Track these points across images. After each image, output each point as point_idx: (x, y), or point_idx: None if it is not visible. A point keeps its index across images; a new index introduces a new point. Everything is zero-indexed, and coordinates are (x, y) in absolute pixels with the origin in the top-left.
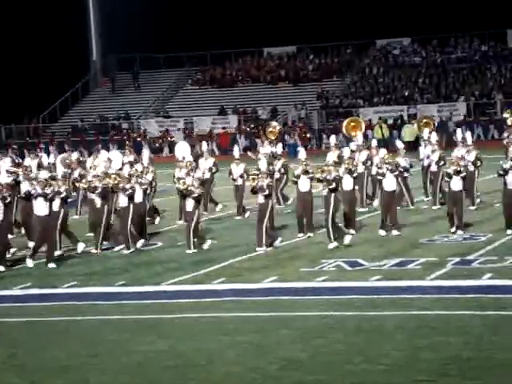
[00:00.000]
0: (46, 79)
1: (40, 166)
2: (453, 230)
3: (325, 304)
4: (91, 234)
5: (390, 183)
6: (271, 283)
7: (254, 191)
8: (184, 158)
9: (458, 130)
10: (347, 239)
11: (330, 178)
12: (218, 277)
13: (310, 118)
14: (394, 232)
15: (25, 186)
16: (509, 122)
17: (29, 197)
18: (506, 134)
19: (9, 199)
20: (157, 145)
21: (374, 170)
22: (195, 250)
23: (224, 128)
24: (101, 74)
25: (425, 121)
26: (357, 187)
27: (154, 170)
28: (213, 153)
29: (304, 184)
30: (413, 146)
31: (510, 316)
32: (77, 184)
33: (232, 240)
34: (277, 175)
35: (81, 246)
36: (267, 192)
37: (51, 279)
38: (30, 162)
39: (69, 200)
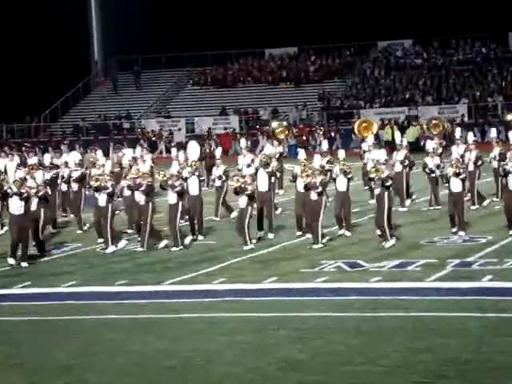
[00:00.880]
0: (47, 79)
1: (41, 165)
2: (454, 230)
3: (324, 305)
4: (80, 232)
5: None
6: (271, 284)
7: (237, 192)
8: (187, 157)
9: (458, 130)
10: (389, 243)
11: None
12: (218, 277)
13: (311, 118)
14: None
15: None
16: None
17: (5, 196)
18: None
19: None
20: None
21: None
22: (252, 246)
23: (225, 128)
24: (102, 74)
25: (434, 122)
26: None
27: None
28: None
29: (302, 184)
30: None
31: (510, 318)
32: (122, 181)
33: (232, 240)
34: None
35: (122, 243)
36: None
37: (51, 278)
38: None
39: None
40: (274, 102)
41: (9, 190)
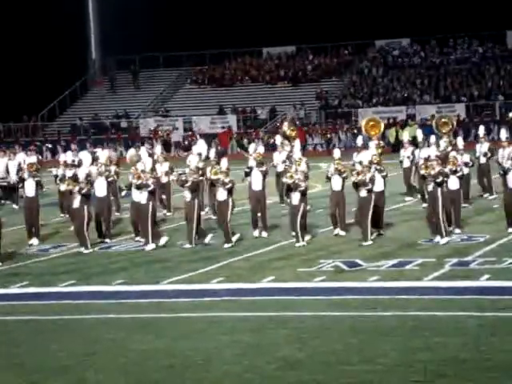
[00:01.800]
0: (45, 78)
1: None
2: (450, 228)
3: (322, 304)
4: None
5: (337, 183)
6: (269, 283)
7: (290, 189)
8: (199, 154)
9: (481, 128)
10: (444, 240)
11: (367, 178)
12: (216, 276)
13: (309, 117)
14: (341, 232)
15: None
16: None
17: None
18: None
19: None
20: (185, 142)
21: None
22: (304, 243)
23: (223, 127)
24: (100, 73)
25: (443, 120)
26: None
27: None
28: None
29: (339, 183)
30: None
31: (508, 317)
32: (170, 177)
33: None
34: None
35: (163, 240)
36: (370, 186)
37: (49, 278)
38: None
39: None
40: (271, 101)
41: (25, 175)
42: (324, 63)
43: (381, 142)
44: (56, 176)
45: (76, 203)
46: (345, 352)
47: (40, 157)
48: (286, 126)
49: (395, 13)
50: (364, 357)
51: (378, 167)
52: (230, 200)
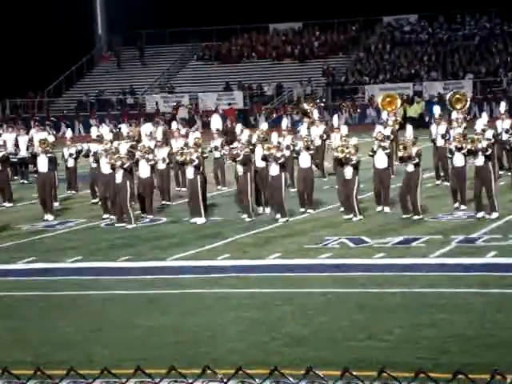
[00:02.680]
0: (51, 54)
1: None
2: (456, 205)
3: (328, 281)
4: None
5: (379, 160)
6: (275, 260)
7: (342, 163)
8: (218, 130)
9: (502, 104)
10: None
11: (412, 153)
12: (222, 253)
13: (316, 94)
14: (386, 209)
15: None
16: None
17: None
18: None
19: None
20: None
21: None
22: (361, 217)
23: (229, 104)
24: (106, 49)
25: (457, 96)
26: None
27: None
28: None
29: (305, 160)
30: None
31: None
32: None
33: (235, 216)
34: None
35: (200, 220)
36: (417, 160)
37: (56, 253)
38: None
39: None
40: (278, 77)
41: (36, 150)
42: (331, 39)
43: (397, 117)
44: (80, 151)
45: (118, 178)
46: (350, 329)
47: (54, 132)
48: (306, 104)
49: None
50: (369, 333)
51: (383, 144)
52: (283, 174)
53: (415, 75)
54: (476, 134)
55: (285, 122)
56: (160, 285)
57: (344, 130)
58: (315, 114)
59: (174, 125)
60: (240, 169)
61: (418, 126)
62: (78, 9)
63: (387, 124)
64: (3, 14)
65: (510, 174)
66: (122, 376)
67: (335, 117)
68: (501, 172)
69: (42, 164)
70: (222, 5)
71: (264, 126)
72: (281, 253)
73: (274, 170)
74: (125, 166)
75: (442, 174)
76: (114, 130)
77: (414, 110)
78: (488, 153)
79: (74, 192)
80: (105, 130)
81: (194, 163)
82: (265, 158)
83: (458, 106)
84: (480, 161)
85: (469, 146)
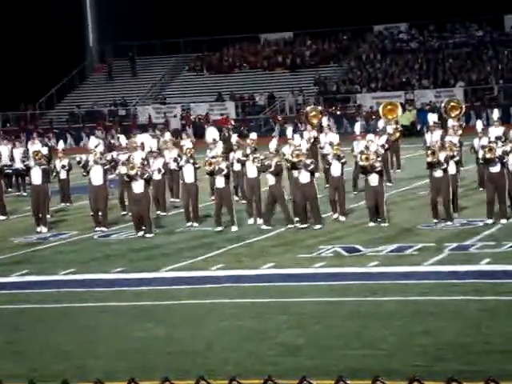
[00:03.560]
0: (42, 65)
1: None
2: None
3: (322, 290)
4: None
5: (336, 169)
6: (269, 269)
7: (366, 171)
8: (215, 140)
9: (495, 111)
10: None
11: (441, 158)
12: (216, 263)
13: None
14: (342, 218)
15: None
16: None
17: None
18: None
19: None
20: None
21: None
22: (388, 223)
23: (222, 114)
24: (97, 61)
25: (452, 104)
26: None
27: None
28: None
29: (336, 168)
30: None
31: (508, 301)
32: (254, 161)
33: (228, 226)
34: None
35: (235, 228)
36: (445, 166)
37: (49, 266)
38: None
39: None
40: (269, 87)
41: (31, 163)
42: (322, 49)
43: (398, 126)
44: (79, 162)
45: (139, 188)
46: (345, 337)
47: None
48: (309, 109)
49: None
50: (364, 342)
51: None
52: (314, 181)
53: (406, 83)
54: (490, 142)
55: (290, 131)
56: (153, 296)
57: (335, 138)
58: (324, 122)
59: (166, 136)
60: (272, 179)
61: (411, 134)
62: (69, 21)
63: (383, 132)
64: None
65: None
66: None
67: (357, 124)
68: None
69: (36, 176)
70: (213, 15)
71: (253, 135)
72: (275, 262)
73: (305, 177)
74: (144, 177)
75: None
76: (107, 141)
77: (407, 118)
78: (504, 160)
79: (68, 204)
80: (92, 142)
81: (224, 172)
82: (294, 166)
83: (453, 114)
84: (497, 168)
85: (487, 156)
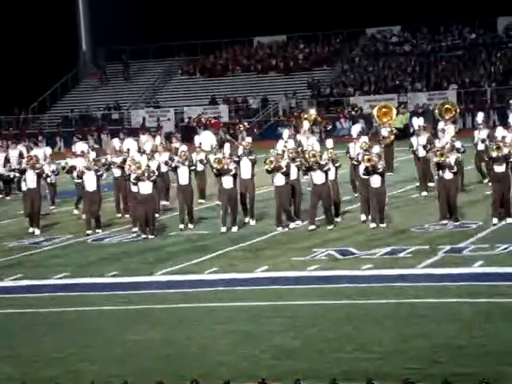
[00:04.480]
0: (35, 70)
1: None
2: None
3: (316, 293)
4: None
5: (319, 176)
6: (263, 273)
7: (369, 172)
8: (212, 146)
9: (480, 114)
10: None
11: (451, 161)
12: (210, 266)
13: (301, 106)
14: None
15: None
16: None
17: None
18: None
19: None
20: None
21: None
22: (384, 225)
23: (215, 118)
24: (90, 65)
25: (446, 106)
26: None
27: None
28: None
29: (292, 172)
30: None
31: (502, 303)
32: (266, 162)
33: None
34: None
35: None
36: (456, 169)
37: (43, 270)
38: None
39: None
40: (263, 90)
41: (24, 166)
42: (315, 52)
43: (393, 128)
44: (63, 168)
45: (147, 189)
46: (339, 340)
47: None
48: (313, 112)
49: (386, 0)
50: (358, 345)
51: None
52: (329, 182)
53: (399, 86)
54: (497, 142)
55: (286, 133)
56: (148, 299)
57: (329, 143)
58: (306, 126)
59: (157, 139)
60: (282, 179)
61: (404, 137)
62: (61, 25)
63: (375, 134)
64: None
65: (486, 181)
66: None
67: (355, 126)
68: (485, 181)
69: (30, 180)
70: (206, 19)
71: (248, 138)
72: (269, 266)
73: (320, 177)
74: (152, 179)
75: (429, 184)
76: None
77: (400, 121)
78: (510, 160)
79: (53, 207)
80: (79, 147)
81: (282, 170)
82: (309, 168)
83: (447, 117)
84: (502, 167)
85: (493, 154)
